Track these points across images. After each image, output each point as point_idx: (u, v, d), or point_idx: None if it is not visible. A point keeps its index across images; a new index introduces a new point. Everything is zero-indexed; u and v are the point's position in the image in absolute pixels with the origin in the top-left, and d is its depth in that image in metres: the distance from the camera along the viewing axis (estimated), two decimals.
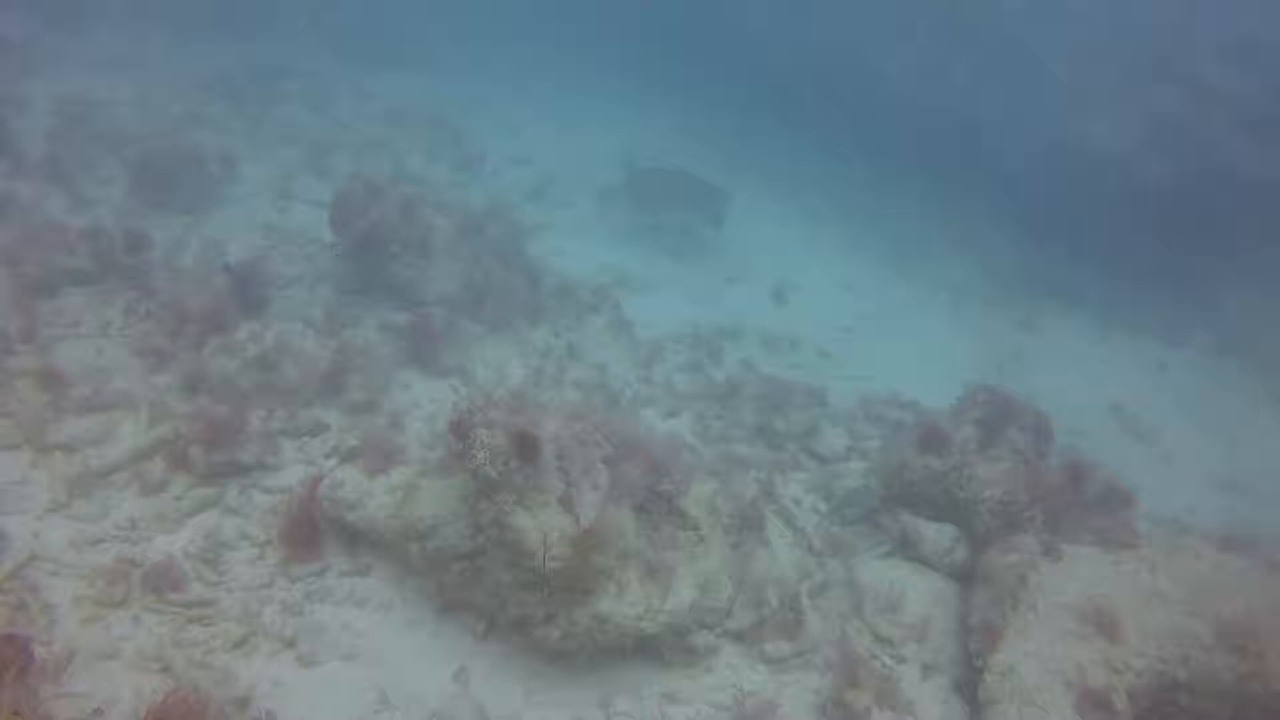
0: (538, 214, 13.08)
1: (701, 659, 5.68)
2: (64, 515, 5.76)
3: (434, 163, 13.71)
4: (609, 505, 5.19)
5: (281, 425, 7.01)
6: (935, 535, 6.53)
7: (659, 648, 5.56)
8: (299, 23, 17.79)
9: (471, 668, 5.36)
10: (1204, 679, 4.91)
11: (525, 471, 5.08)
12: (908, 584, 6.29)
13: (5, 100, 11.78)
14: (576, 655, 5.29)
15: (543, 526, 5.05)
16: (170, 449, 6.38)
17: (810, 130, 16.87)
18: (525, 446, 5.02)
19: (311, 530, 5.85)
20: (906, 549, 6.62)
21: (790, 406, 8.82)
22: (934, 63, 15.54)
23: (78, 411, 6.56)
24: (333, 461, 6.68)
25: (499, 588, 5.28)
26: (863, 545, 6.83)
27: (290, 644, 5.27)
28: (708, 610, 5.62)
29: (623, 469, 5.34)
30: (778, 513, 7.03)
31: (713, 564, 5.71)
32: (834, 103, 15.98)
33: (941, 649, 6.01)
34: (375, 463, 6.03)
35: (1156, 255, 13.72)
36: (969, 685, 5.56)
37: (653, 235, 13.42)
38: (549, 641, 5.21)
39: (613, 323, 9.91)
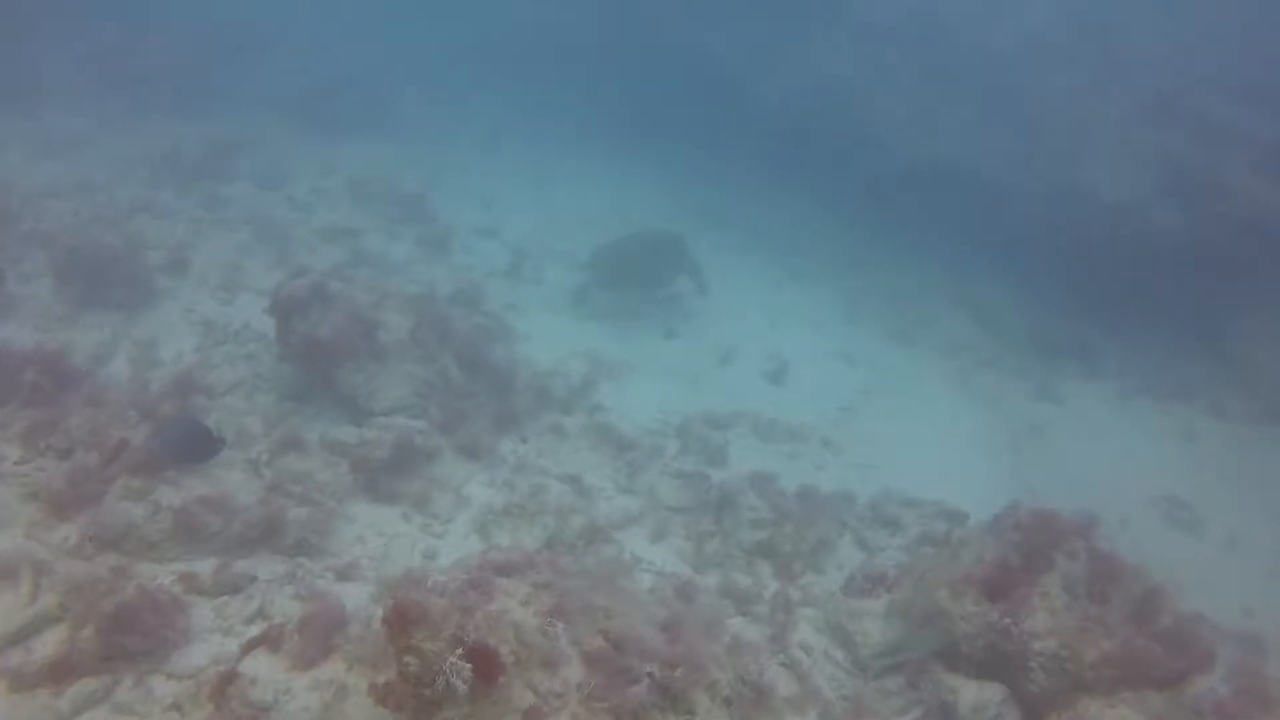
0: (508, 292, 12.15)
1: None
2: None
3: (395, 240, 12.78)
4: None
5: (197, 583, 5.95)
6: (976, 696, 5.46)
7: None
8: None
9: None
10: None
11: (481, 690, 4.01)
12: None
13: None
14: None
15: None
16: (55, 629, 5.30)
17: (797, 187, 16.08)
18: (483, 664, 3.95)
19: None
20: (943, 715, 5.53)
21: (793, 516, 7.80)
22: (923, 111, 14.76)
23: None
24: (255, 629, 5.60)
25: None
26: (889, 708, 5.74)
27: None
28: None
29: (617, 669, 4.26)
30: (787, 665, 5.97)
31: None
32: (820, 157, 15.16)
33: None
34: (302, 645, 4.95)
35: (1175, 310, 12.84)
36: None
37: (631, 311, 12.45)
38: None
39: (589, 424, 8.90)
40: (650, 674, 4.34)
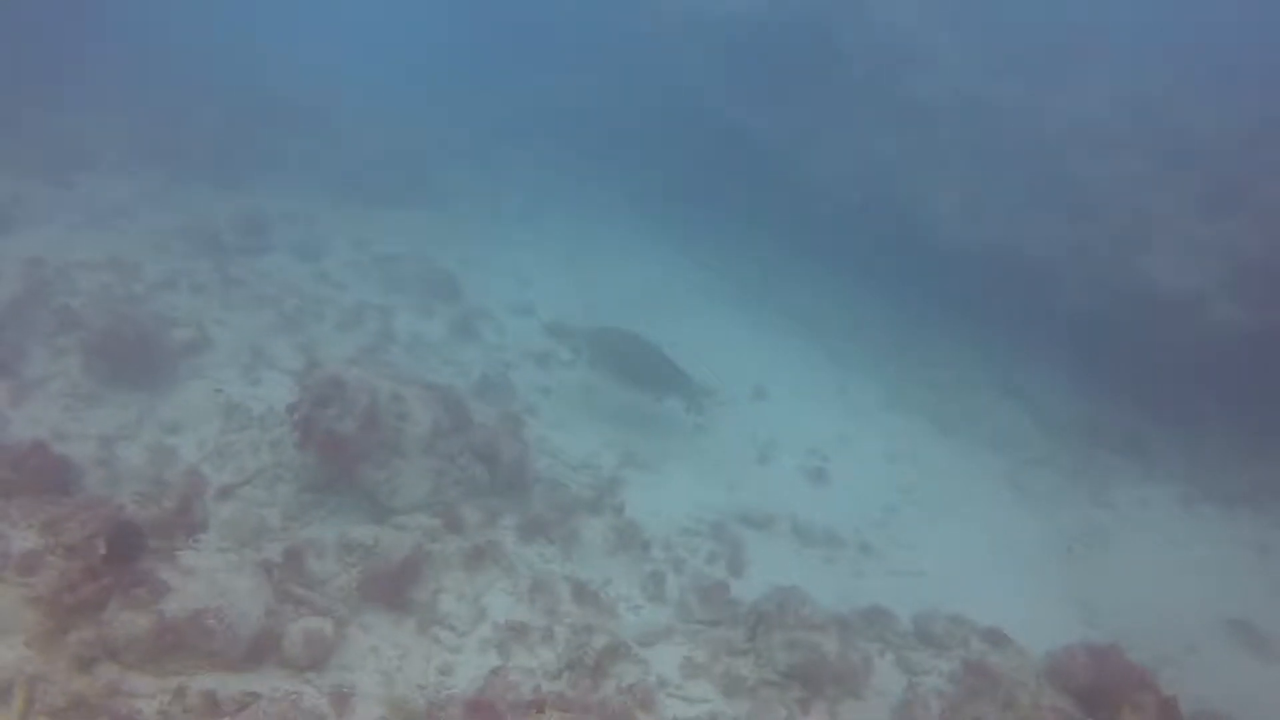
0: (540, 376, 11.88)
1: None
2: None
3: (428, 318, 12.62)
4: None
5: (195, 700, 5.58)
6: None
7: None
8: None
9: None
10: None
11: None
12: None
13: None
14: None
15: None
16: None
17: (840, 268, 15.76)
18: None
19: None
20: None
21: (831, 633, 7.26)
22: (972, 195, 14.42)
23: None
24: None
25: None
26: None
27: None
28: None
29: None
30: None
31: None
32: (864, 238, 14.87)
33: None
34: None
35: (1241, 409, 12.18)
36: None
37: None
38: None
39: (616, 527, 8.47)
40: None
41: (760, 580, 8.41)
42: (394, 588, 6.93)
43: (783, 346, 14.58)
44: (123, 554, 6.18)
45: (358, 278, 13.47)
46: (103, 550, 6.12)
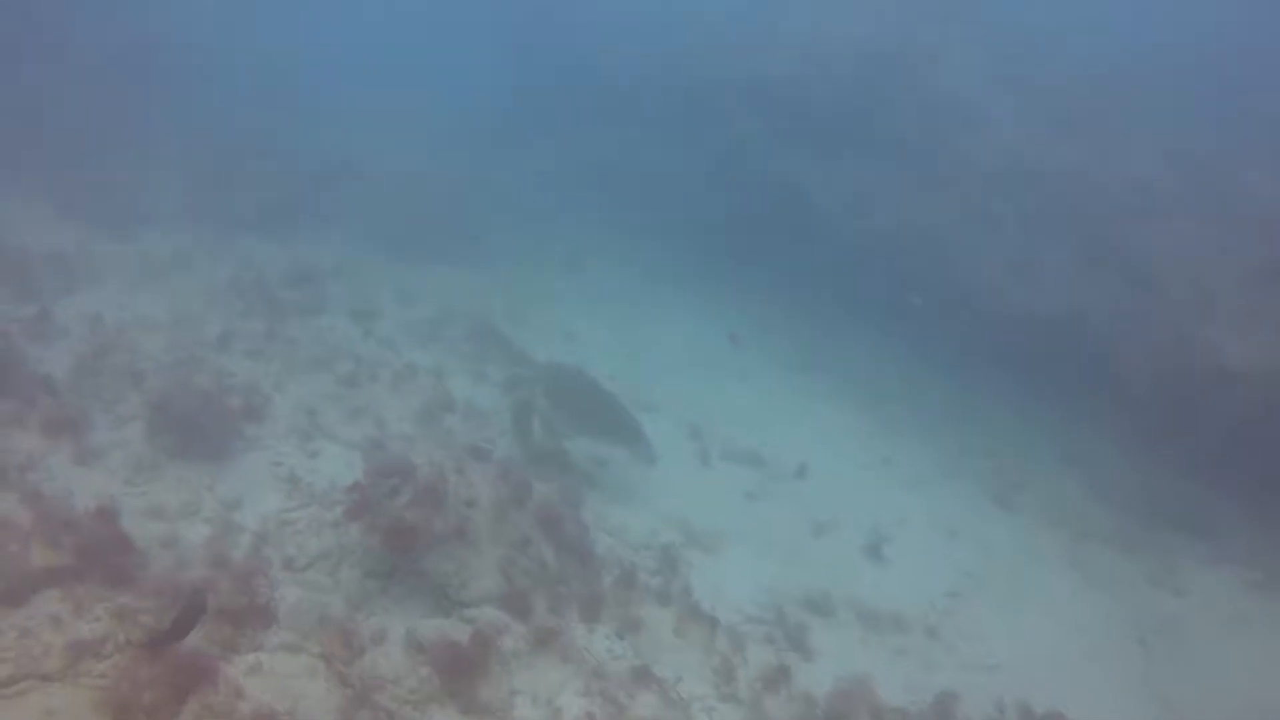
0: (591, 443, 11.74)
1: None
2: None
3: (480, 382, 12.57)
4: None
5: None
6: None
7: None
8: None
9: None
10: None
11: None
12: None
13: (34, 331, 11.02)
14: None
15: None
16: None
17: (890, 332, 15.56)
18: None
19: None
20: None
21: None
22: (1026, 260, 14.23)
23: None
24: None
25: None
26: None
27: None
28: None
29: None
30: None
31: None
32: (914, 300, 14.69)
33: None
34: None
35: None
36: None
37: (728, 463, 11.95)
38: None
39: (684, 613, 8.29)
40: None
41: (829, 670, 8.18)
42: (465, 686, 6.77)
43: (834, 411, 14.39)
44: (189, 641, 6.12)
45: (409, 337, 13.48)
46: (173, 643, 6.05)
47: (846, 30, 17.28)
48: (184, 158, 19.11)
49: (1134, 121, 15.82)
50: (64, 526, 7.16)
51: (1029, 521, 12.26)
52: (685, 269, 18.37)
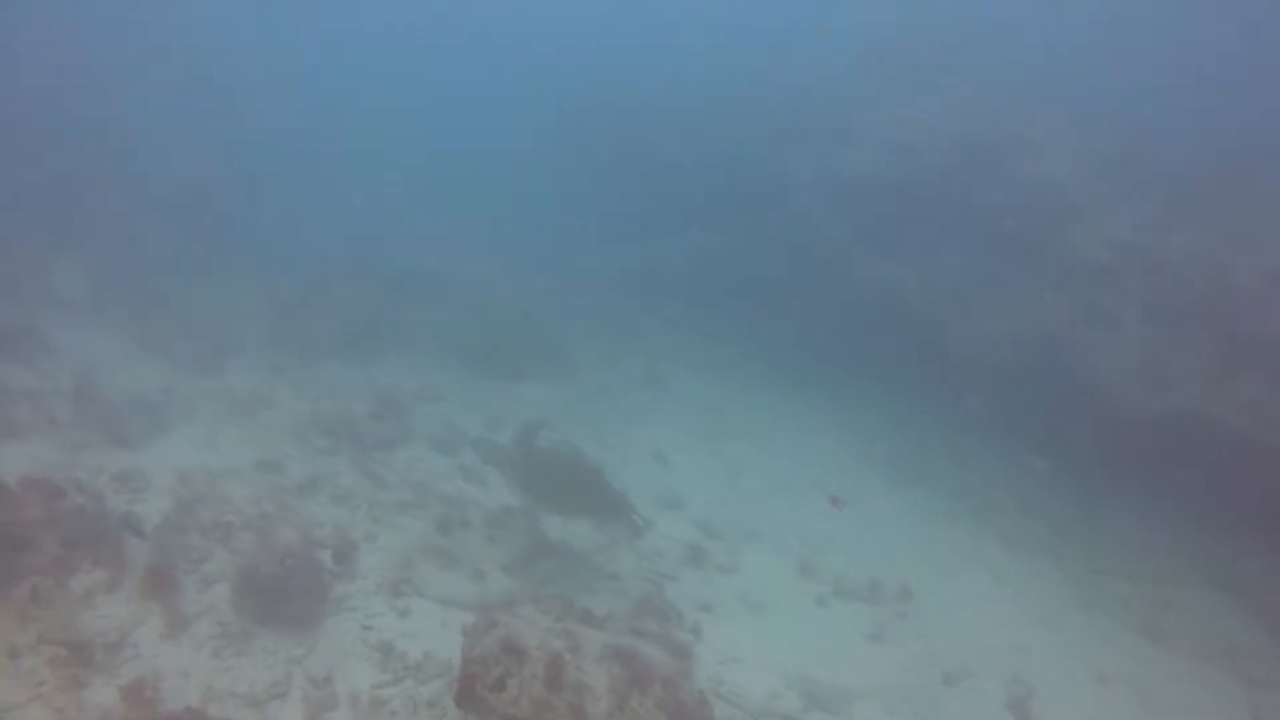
0: (700, 588, 10.92)
1: None
2: None
3: (574, 520, 11.90)
4: None
5: None
6: None
7: None
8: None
9: None
10: None
11: None
12: None
13: (124, 485, 10.82)
14: None
15: None
16: None
17: (1004, 443, 14.49)
18: None
19: None
20: None
21: None
22: (1153, 359, 13.12)
23: None
24: None
25: None
26: None
27: None
28: None
29: None
30: None
31: None
32: (1029, 409, 13.65)
33: None
34: None
35: None
36: None
37: (843, 600, 10.97)
38: None
39: None
40: None
41: None
42: None
43: (946, 531, 13.29)
44: None
45: (498, 470, 12.94)
46: None
47: (930, 120, 16.73)
48: (263, 277, 19.38)
49: (1253, 205, 14.73)
50: None
51: (1190, 663, 10.88)
52: (772, 377, 17.62)
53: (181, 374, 14.68)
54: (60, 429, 11.97)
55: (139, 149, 24.74)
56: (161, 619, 8.76)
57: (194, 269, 19.38)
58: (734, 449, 15.08)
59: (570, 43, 28.62)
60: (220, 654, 8.55)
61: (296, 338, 16.82)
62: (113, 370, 13.98)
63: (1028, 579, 12.32)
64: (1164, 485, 12.95)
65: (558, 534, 11.29)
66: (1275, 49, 19.83)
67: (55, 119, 24.68)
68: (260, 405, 14.01)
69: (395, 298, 18.87)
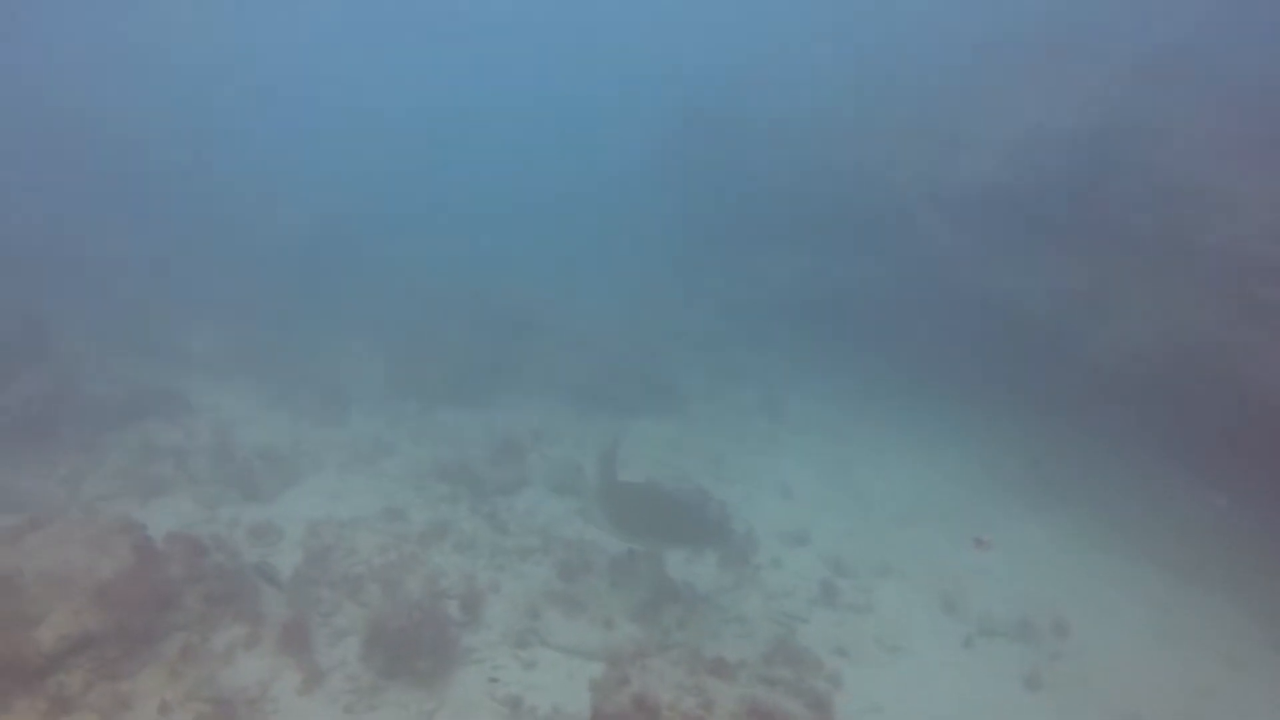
0: (833, 630, 10.33)
1: None
2: None
3: (698, 560, 11.53)
4: None
5: None
6: None
7: None
8: None
9: None
10: None
11: None
12: None
13: (259, 539, 11.15)
14: None
15: None
16: None
17: (1154, 463, 13.26)
18: None
19: None
20: None
21: None
22: None
23: None
24: None
25: None
26: None
27: None
28: None
29: None
30: None
31: None
32: (1186, 427, 12.46)
33: None
34: None
35: None
36: None
37: (992, 640, 10.18)
38: None
39: None
40: None
41: None
42: None
43: (1099, 560, 12.23)
44: None
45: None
46: None
47: (1047, 116, 15.72)
48: (377, 327, 19.94)
49: None
50: None
51: None
52: (891, 401, 16.82)
53: (307, 425, 15.18)
54: (199, 484, 12.51)
55: (257, 201, 26.19)
56: (298, 674, 8.88)
57: (309, 319, 20.13)
58: (857, 476, 14.39)
59: (678, 62, 28.40)
60: (353, 709, 8.57)
61: (413, 384, 17.17)
62: (244, 425, 14.57)
63: (1202, 614, 11.14)
64: None
65: (681, 575, 10.92)
66: None
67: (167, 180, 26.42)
68: (381, 453, 14.29)
69: (505, 338, 19.04)
